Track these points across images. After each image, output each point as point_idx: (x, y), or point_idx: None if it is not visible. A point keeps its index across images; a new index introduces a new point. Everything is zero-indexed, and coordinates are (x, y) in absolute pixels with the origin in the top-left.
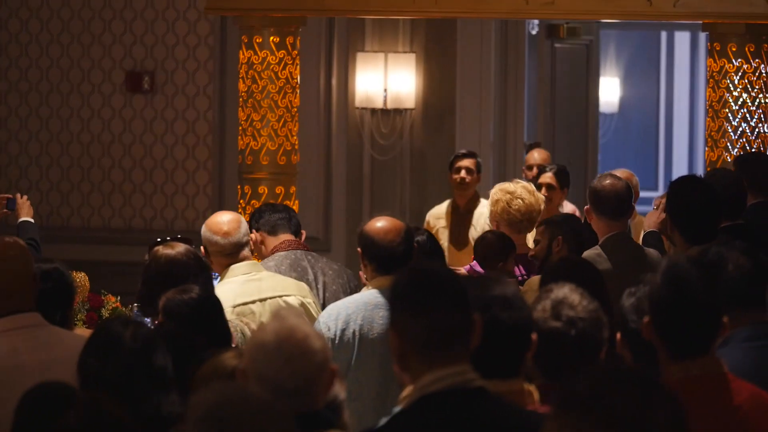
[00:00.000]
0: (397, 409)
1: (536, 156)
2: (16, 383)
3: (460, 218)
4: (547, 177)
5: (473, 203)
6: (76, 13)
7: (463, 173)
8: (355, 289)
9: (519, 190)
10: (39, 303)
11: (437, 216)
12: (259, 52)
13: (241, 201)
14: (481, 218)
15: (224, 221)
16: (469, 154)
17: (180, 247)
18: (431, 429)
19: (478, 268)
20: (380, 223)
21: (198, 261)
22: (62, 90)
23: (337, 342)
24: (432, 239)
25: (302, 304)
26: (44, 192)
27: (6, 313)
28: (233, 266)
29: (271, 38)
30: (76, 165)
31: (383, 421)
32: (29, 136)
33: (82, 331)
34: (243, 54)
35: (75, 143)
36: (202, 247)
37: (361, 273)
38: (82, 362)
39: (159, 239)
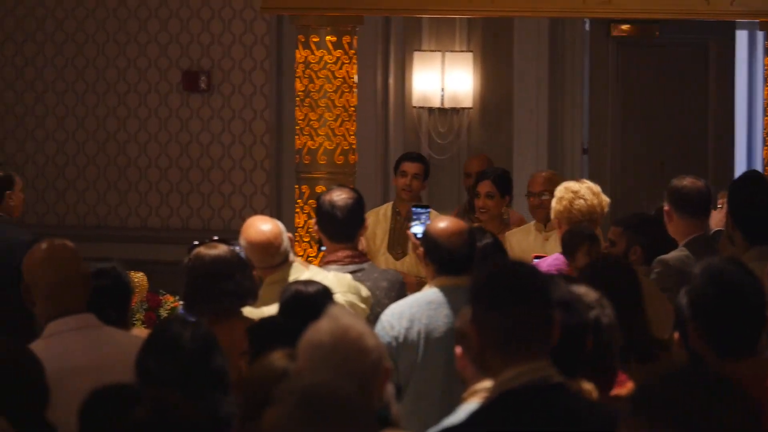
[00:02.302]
0: (469, 406)
1: (475, 163)
2: (70, 385)
3: (400, 225)
4: (486, 185)
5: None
6: (132, 12)
7: (409, 178)
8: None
9: (583, 190)
10: (94, 301)
11: (373, 217)
12: (315, 52)
13: (299, 201)
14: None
15: (270, 237)
16: (418, 158)
17: (221, 247)
18: (512, 425)
19: (543, 267)
20: (444, 224)
21: (239, 259)
22: (119, 90)
23: (401, 341)
24: (497, 242)
25: (348, 302)
26: (101, 192)
27: (59, 315)
28: (281, 272)
29: (328, 37)
30: (133, 164)
31: (454, 418)
32: (86, 136)
33: (141, 331)
34: (300, 53)
35: (132, 143)
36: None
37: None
38: (140, 362)
39: (196, 242)
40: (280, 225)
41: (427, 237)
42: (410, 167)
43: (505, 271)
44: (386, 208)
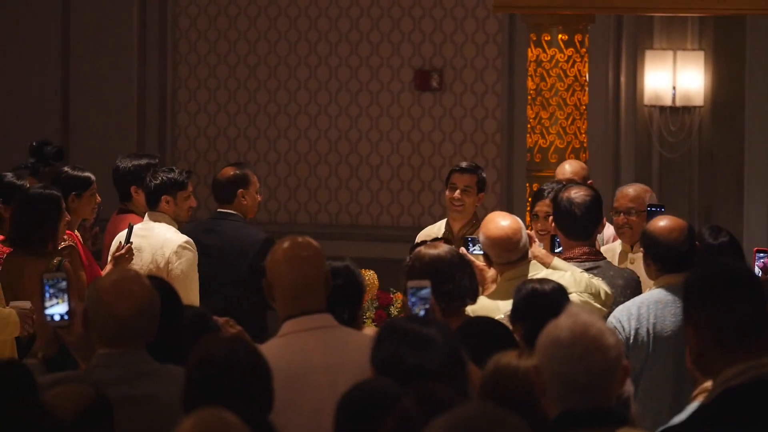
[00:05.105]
0: (692, 405)
1: (567, 169)
2: (304, 384)
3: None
4: (545, 204)
5: (469, 229)
6: (365, 11)
7: (457, 193)
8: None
9: None
10: (328, 300)
11: (427, 236)
12: (547, 50)
13: (530, 199)
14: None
15: (509, 233)
16: (469, 169)
17: (442, 246)
18: (736, 422)
19: None
20: (663, 222)
21: (461, 259)
22: (351, 88)
23: (631, 341)
24: (734, 241)
25: (583, 302)
26: (333, 190)
27: (299, 314)
28: (520, 269)
29: (560, 36)
30: (365, 163)
31: (679, 417)
32: (318, 134)
33: (372, 330)
34: (531, 52)
35: (364, 141)
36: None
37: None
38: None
39: (418, 241)
40: (519, 221)
41: (647, 236)
42: (459, 179)
43: (716, 271)
44: (440, 226)
